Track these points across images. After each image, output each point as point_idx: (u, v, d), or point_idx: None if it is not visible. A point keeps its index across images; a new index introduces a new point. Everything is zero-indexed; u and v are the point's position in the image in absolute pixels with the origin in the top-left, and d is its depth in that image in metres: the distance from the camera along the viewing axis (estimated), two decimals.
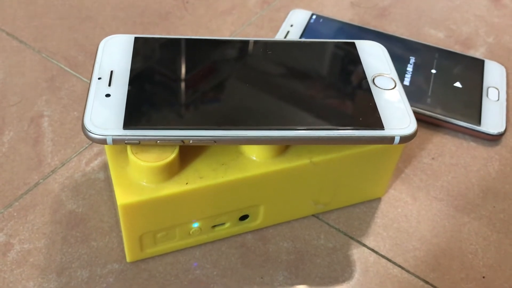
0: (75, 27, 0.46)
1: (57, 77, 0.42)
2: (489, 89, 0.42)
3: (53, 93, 0.41)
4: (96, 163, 0.36)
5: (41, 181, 0.35)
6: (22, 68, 0.42)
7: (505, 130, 0.39)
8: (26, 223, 0.33)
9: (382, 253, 0.33)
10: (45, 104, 0.40)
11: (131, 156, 0.27)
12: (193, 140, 0.27)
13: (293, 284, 0.31)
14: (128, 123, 0.26)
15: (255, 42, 0.33)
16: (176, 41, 0.32)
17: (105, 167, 0.36)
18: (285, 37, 0.46)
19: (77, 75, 0.42)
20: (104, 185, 0.35)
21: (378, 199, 0.36)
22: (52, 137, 0.37)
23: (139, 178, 0.28)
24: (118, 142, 0.26)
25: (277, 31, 0.47)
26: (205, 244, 0.32)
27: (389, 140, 0.28)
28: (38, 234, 0.32)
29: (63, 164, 0.36)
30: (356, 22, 0.49)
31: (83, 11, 0.48)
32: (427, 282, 0.32)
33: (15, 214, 0.33)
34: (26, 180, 0.35)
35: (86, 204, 0.34)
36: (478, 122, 0.39)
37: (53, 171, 0.35)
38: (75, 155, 0.36)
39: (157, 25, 0.47)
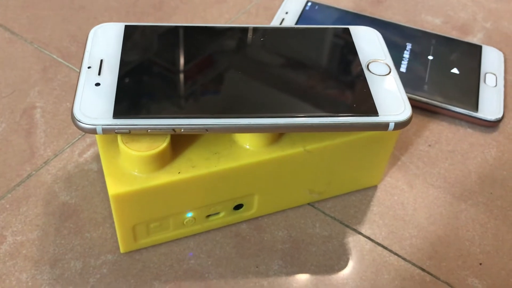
0: (68, 18, 0.46)
1: (49, 68, 0.41)
2: (487, 75, 0.42)
3: (46, 84, 0.40)
4: (89, 154, 0.36)
5: (33, 172, 0.35)
6: (14, 59, 0.42)
7: (502, 116, 0.39)
8: (19, 215, 0.32)
9: (378, 241, 0.32)
10: (37, 95, 0.39)
11: (121, 146, 0.27)
12: (184, 128, 0.26)
13: (288, 273, 0.31)
14: (118, 112, 0.26)
15: (248, 29, 0.32)
16: (167, 29, 0.31)
17: (98, 158, 0.35)
18: (280, 24, 0.45)
19: (70, 65, 0.42)
20: (97, 176, 0.35)
21: (374, 187, 0.35)
22: (44, 128, 0.37)
23: (131, 168, 0.27)
24: (108, 131, 0.26)
25: (272, 19, 0.46)
26: (199, 234, 0.32)
27: (384, 126, 0.28)
28: (31, 226, 0.32)
29: (55, 155, 0.36)
30: (352, 9, 0.48)
31: (75, 1, 0.47)
32: (423, 270, 0.31)
33: (7, 206, 0.33)
34: (18, 171, 0.35)
35: (79, 195, 0.33)
36: (476, 109, 0.39)
37: (45, 163, 0.35)
38: (67, 146, 0.36)
39: (151, 15, 0.47)
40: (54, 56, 0.42)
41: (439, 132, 0.39)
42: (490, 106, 0.39)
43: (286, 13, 0.46)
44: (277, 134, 0.29)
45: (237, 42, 0.31)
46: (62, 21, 0.45)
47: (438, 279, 0.31)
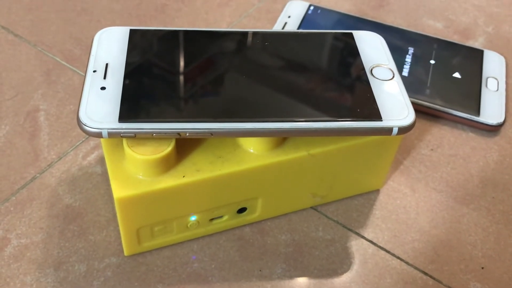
0: (71, 20, 0.46)
1: (53, 71, 0.42)
2: (488, 79, 0.42)
3: (49, 87, 0.40)
4: (93, 156, 0.36)
5: (37, 175, 0.35)
6: (18, 62, 0.42)
7: (504, 121, 0.39)
8: (23, 217, 0.33)
9: (381, 245, 0.33)
10: (41, 98, 0.39)
11: (127, 150, 0.27)
12: (189, 132, 0.26)
13: (291, 277, 0.31)
14: (124, 116, 0.26)
15: (252, 33, 0.32)
16: (172, 33, 0.32)
17: (102, 160, 0.36)
18: (282, 28, 0.45)
19: (74, 68, 0.42)
20: (101, 178, 0.35)
21: (376, 191, 0.35)
22: (48, 131, 0.37)
23: (136, 172, 0.27)
24: (113, 135, 0.26)
25: (275, 22, 0.47)
26: (203, 237, 0.32)
27: (387, 131, 0.28)
28: (35, 229, 0.32)
29: (59, 158, 0.36)
30: (354, 13, 0.49)
31: (78, 4, 0.47)
32: (426, 274, 0.32)
33: (12, 208, 0.33)
34: (22, 174, 0.35)
35: (83, 198, 0.34)
36: (477, 113, 0.39)
37: (49, 165, 0.35)
38: (71, 149, 0.36)
39: (154, 18, 0.47)
40: (58, 59, 0.42)
41: (441, 136, 0.39)
42: (491, 110, 0.40)
43: (289, 17, 0.46)
44: (281, 138, 0.30)
45: (241, 47, 0.32)
46: (65, 24, 0.46)
47: (441, 283, 0.31)
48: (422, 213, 0.34)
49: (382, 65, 0.31)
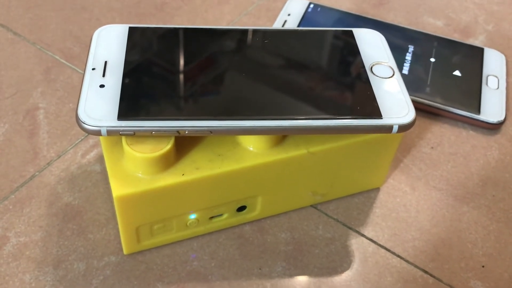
0: (71, 19, 0.46)
1: (52, 69, 0.41)
2: (489, 78, 0.42)
3: (49, 85, 0.40)
4: (92, 155, 0.36)
5: (36, 173, 0.35)
6: (17, 60, 0.42)
7: (504, 119, 0.39)
8: (22, 216, 0.32)
9: (381, 243, 0.33)
10: (40, 96, 0.39)
11: (126, 148, 0.27)
12: (188, 130, 0.26)
13: (291, 275, 0.31)
14: (123, 114, 0.26)
15: (251, 31, 0.32)
16: (171, 30, 0.31)
17: (101, 159, 0.35)
18: (282, 26, 0.45)
19: (73, 66, 0.42)
20: (100, 177, 0.35)
21: (376, 189, 0.35)
22: (47, 129, 0.37)
23: (135, 170, 0.27)
24: (112, 133, 0.26)
25: (275, 20, 0.47)
26: (202, 235, 0.32)
27: (387, 129, 0.28)
28: (34, 227, 0.32)
29: (59, 157, 0.36)
30: (354, 11, 0.48)
31: (78, 2, 0.47)
32: (426, 272, 0.31)
33: (10, 207, 0.33)
34: (21, 172, 0.35)
35: (82, 197, 0.33)
36: (478, 111, 0.39)
37: (49, 164, 0.35)
38: (71, 147, 0.36)
39: (153, 16, 0.47)
40: (57, 57, 0.42)
41: (441, 135, 0.39)
42: (492, 108, 0.39)
43: (289, 15, 0.46)
44: (281, 136, 0.29)
45: (241, 45, 0.31)
46: (64, 22, 0.45)
47: (441, 281, 0.31)
48: (422, 212, 0.34)
49: (382, 63, 0.31)
